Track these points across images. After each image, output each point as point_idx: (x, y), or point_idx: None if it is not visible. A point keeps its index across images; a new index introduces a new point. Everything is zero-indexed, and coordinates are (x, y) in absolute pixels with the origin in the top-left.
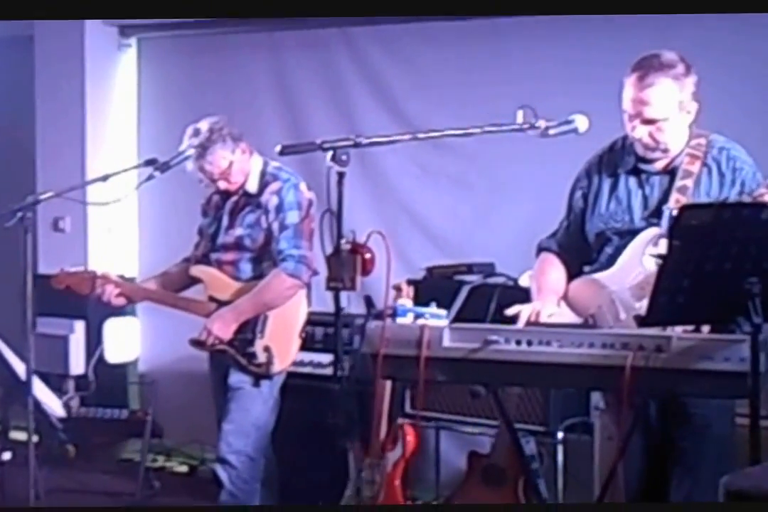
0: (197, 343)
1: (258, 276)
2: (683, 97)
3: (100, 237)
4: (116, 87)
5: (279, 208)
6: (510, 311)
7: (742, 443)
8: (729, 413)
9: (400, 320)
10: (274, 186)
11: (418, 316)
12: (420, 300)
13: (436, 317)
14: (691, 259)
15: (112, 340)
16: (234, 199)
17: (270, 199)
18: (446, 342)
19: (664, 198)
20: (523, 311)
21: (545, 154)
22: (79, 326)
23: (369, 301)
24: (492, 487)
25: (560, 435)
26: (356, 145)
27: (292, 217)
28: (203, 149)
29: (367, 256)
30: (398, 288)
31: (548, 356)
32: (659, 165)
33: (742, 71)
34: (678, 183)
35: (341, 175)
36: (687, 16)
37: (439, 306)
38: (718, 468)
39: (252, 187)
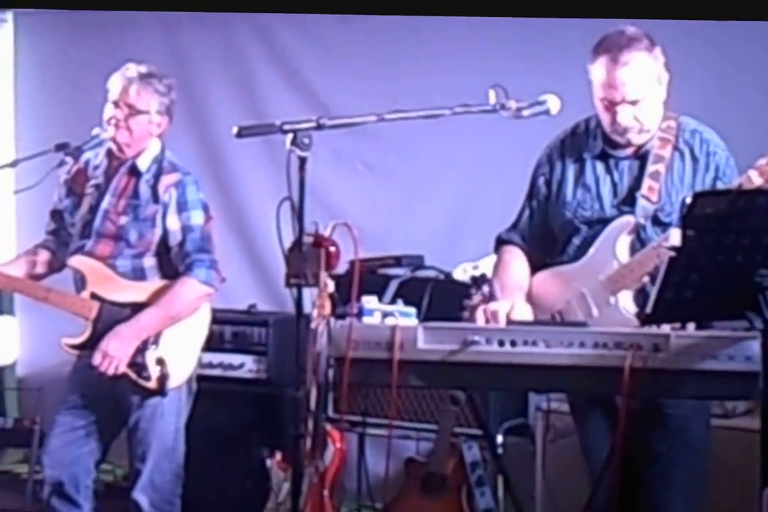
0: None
1: (138, 276)
2: (658, 68)
3: None
4: None
5: (182, 206)
6: (481, 313)
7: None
8: (705, 414)
9: (366, 320)
10: (172, 177)
11: (385, 316)
12: (342, 296)
13: (405, 316)
14: (703, 251)
15: None
16: (120, 178)
17: (170, 193)
18: (421, 343)
19: (636, 184)
20: (501, 309)
21: (470, 138)
22: None
23: (332, 299)
24: (432, 497)
25: (500, 438)
26: (319, 127)
27: (197, 217)
28: (130, 85)
29: (332, 249)
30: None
31: (534, 357)
32: (629, 149)
33: (712, 50)
34: (650, 168)
35: (303, 160)
36: None
37: None
38: (694, 473)
39: (143, 164)
